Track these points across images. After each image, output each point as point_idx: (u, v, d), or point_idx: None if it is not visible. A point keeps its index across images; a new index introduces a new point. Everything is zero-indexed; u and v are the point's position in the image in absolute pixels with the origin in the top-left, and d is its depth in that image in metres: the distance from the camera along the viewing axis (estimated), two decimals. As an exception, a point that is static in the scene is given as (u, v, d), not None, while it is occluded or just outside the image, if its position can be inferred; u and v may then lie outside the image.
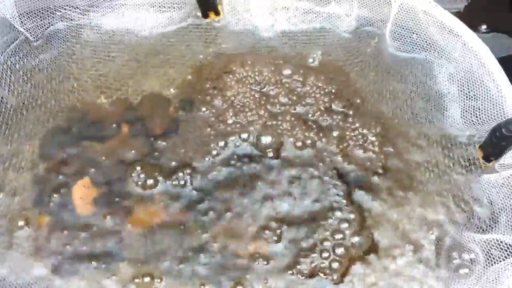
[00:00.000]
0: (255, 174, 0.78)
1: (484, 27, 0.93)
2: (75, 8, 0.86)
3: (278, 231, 0.74)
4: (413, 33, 0.83)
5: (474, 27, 0.80)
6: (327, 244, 0.73)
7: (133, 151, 0.79)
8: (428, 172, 0.78)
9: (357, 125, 0.81)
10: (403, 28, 0.83)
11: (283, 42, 0.87)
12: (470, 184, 0.76)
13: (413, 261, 0.72)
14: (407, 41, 0.84)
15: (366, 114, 0.82)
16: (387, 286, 0.71)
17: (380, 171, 0.78)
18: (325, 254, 0.72)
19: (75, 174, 0.78)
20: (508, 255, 0.68)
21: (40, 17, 0.84)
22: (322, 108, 0.82)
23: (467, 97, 0.79)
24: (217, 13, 0.87)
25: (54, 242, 0.73)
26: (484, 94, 0.76)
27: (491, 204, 0.73)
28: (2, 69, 0.82)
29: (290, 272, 0.72)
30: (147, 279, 0.71)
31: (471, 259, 0.71)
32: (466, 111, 0.79)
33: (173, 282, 0.71)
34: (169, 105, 0.83)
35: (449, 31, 0.79)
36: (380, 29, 0.86)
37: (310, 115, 0.82)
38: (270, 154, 0.79)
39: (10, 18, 0.80)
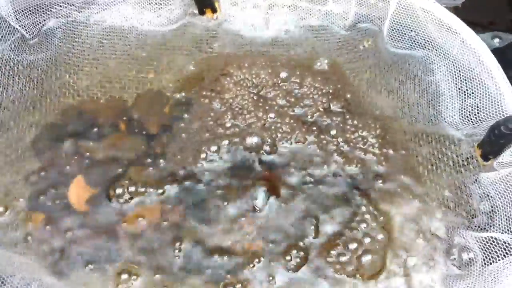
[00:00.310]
0: (254, 176, 0.77)
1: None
2: (71, 5, 0.85)
3: (267, 234, 0.73)
4: (411, 30, 0.82)
5: (472, 22, 0.79)
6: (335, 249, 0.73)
7: (128, 151, 0.78)
8: (427, 171, 0.77)
9: (355, 125, 0.80)
10: (401, 25, 0.83)
11: (279, 41, 0.86)
12: (469, 183, 0.75)
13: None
14: (405, 38, 0.84)
15: (364, 114, 0.81)
16: (383, 285, 0.70)
17: (379, 171, 0.77)
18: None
19: (70, 173, 0.77)
20: (507, 253, 0.67)
21: (36, 14, 0.84)
22: (321, 109, 0.82)
23: (465, 95, 0.79)
24: (214, 10, 0.87)
25: (48, 240, 0.72)
26: (483, 92, 0.76)
27: (490, 202, 0.73)
28: (-2, 66, 0.81)
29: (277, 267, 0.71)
30: (140, 278, 0.70)
31: (469, 258, 0.70)
32: (464, 109, 0.78)
33: (167, 281, 0.70)
34: (165, 105, 0.82)
35: (448, 29, 0.79)
36: (378, 27, 0.85)
37: (309, 117, 0.81)
38: (269, 156, 0.78)
39: (5, 15, 0.80)
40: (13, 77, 0.82)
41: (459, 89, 0.80)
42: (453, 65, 0.80)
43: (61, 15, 0.86)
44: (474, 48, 0.77)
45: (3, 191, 0.75)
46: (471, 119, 0.77)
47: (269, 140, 0.79)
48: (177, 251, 0.72)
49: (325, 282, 0.70)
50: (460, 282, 0.69)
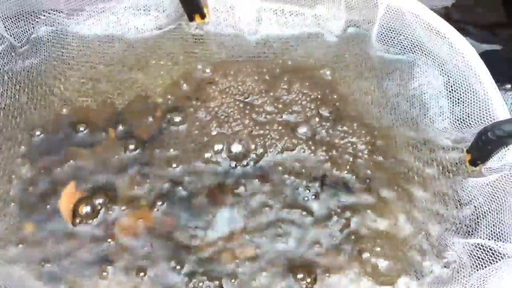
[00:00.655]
0: (241, 182, 0.77)
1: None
2: (59, 13, 0.85)
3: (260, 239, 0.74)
4: (400, 34, 0.82)
5: (461, 23, 0.79)
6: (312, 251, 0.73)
7: (119, 157, 0.79)
8: (415, 177, 0.77)
9: (345, 130, 0.80)
10: (389, 29, 0.82)
11: (267, 47, 0.86)
12: (457, 188, 0.75)
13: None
14: (393, 42, 0.83)
15: (353, 120, 0.81)
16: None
17: (367, 177, 0.77)
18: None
19: (62, 179, 0.77)
20: (494, 260, 0.67)
21: (24, 22, 0.84)
22: (309, 115, 0.81)
23: (453, 100, 0.78)
24: (202, 16, 0.87)
25: (40, 248, 0.73)
26: (471, 97, 0.76)
27: (477, 208, 0.73)
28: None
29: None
30: (135, 283, 0.71)
31: (457, 264, 0.70)
32: (452, 114, 0.78)
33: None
34: (154, 111, 0.82)
35: (436, 33, 0.78)
36: (367, 31, 0.85)
37: (297, 123, 0.81)
38: (256, 163, 0.78)
39: (-7, 23, 0.80)
40: (2, 85, 0.82)
41: (448, 94, 0.79)
42: (442, 69, 0.80)
43: (50, 23, 0.86)
44: (463, 52, 0.76)
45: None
46: (460, 124, 0.77)
47: (257, 147, 0.79)
48: (169, 256, 0.72)
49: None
50: (447, 288, 0.69)
